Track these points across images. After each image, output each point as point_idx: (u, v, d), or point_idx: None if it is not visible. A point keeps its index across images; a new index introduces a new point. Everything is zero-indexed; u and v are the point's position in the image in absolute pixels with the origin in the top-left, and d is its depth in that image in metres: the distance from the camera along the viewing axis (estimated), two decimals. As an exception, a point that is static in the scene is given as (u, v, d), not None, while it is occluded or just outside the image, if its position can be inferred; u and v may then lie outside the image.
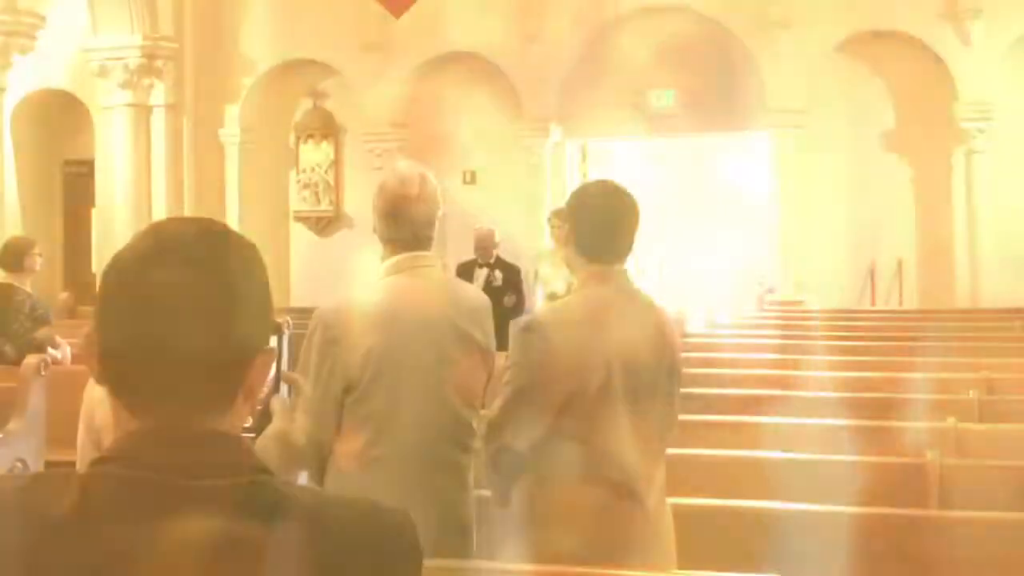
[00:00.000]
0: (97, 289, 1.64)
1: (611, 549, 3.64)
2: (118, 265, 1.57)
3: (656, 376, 3.71)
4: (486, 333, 3.84)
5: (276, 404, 1.72)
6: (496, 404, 3.67)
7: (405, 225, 3.76)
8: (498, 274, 11.81)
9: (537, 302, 11.20)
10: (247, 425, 1.68)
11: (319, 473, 3.76)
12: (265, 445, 2.69)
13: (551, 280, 10.60)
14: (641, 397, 3.66)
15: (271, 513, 1.51)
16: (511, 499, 3.71)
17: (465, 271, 11.67)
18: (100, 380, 1.58)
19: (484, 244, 11.98)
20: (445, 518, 3.72)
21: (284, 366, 3.20)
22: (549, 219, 11.06)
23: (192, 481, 1.49)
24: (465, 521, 3.79)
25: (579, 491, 3.62)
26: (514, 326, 6.17)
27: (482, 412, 3.82)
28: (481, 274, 11.71)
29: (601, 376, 3.59)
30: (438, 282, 3.84)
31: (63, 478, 1.52)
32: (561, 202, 5.65)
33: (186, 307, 1.52)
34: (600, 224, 3.72)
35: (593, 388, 3.58)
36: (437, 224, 3.85)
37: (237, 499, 1.50)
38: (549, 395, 3.58)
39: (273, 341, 1.64)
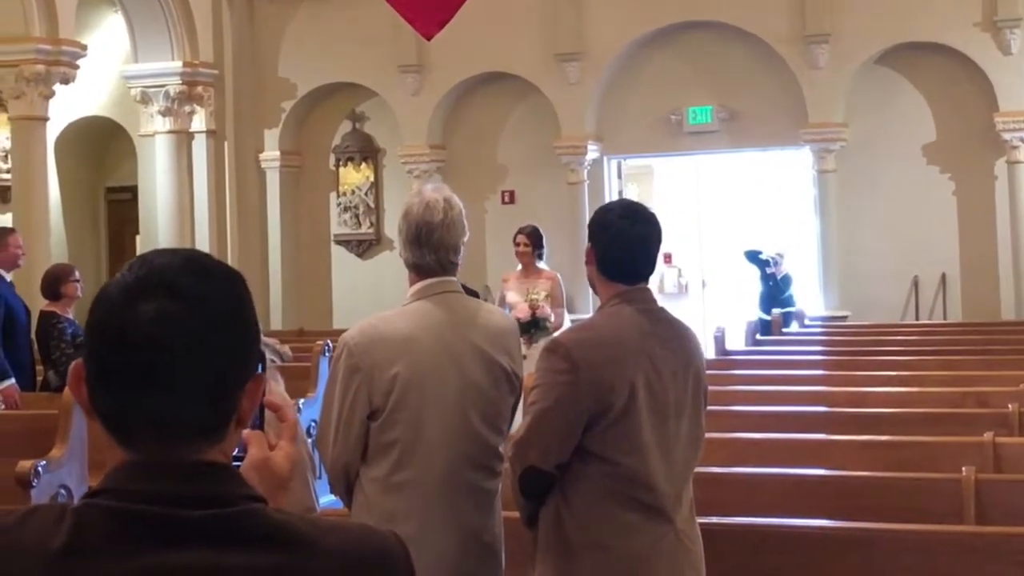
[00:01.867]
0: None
1: (640, 570, 3.63)
2: (104, 297, 1.57)
3: (682, 394, 3.70)
4: (512, 357, 3.84)
5: (248, 434, 1.72)
6: (522, 425, 3.68)
7: (430, 251, 3.77)
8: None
9: None
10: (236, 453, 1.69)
11: (347, 497, 3.78)
12: (247, 476, 2.69)
13: (517, 304, 9.73)
14: (667, 416, 3.65)
15: (264, 541, 1.52)
16: (538, 521, 3.70)
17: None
18: (88, 412, 1.59)
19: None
20: (470, 543, 3.72)
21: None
22: (515, 238, 10.23)
23: (183, 511, 1.49)
24: (492, 545, 3.79)
25: (607, 512, 3.61)
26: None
27: (510, 433, 3.83)
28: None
29: (626, 395, 3.58)
30: (463, 307, 3.84)
31: (57, 511, 1.53)
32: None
33: (172, 338, 1.52)
34: (623, 244, 3.71)
35: (618, 408, 3.58)
36: (463, 249, 3.85)
37: (229, 528, 1.51)
38: (574, 416, 3.57)
39: (257, 369, 1.64)
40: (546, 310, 9.77)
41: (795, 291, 14.94)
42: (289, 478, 1.85)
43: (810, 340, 12.28)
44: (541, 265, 10.17)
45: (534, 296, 9.61)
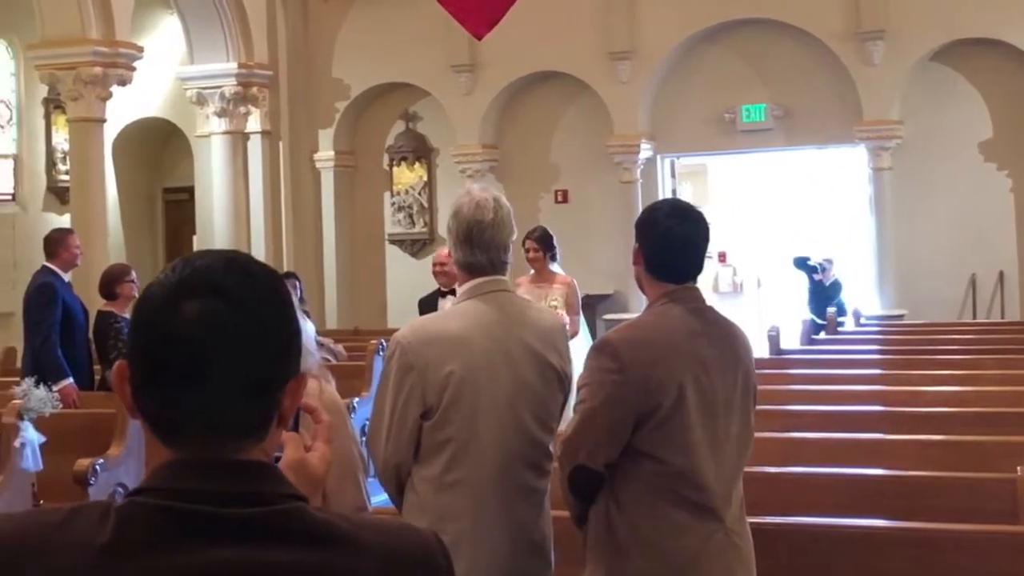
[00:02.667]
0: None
1: (690, 568, 3.62)
2: (148, 298, 1.59)
3: (731, 393, 3.69)
4: (561, 356, 3.85)
5: (284, 435, 1.73)
6: (571, 424, 3.68)
7: (481, 250, 3.78)
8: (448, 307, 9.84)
9: None
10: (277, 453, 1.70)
11: (398, 497, 3.80)
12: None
13: None
14: (716, 415, 3.64)
15: (305, 539, 1.53)
16: (588, 520, 3.71)
17: (427, 305, 9.37)
18: (132, 412, 1.61)
19: (442, 269, 9.44)
20: (522, 541, 3.73)
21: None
22: (523, 242, 9.46)
23: (226, 510, 1.51)
24: (542, 544, 3.80)
25: (657, 510, 3.61)
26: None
27: (559, 432, 3.83)
28: (446, 306, 8.97)
29: (675, 395, 3.58)
30: (514, 306, 3.85)
31: (101, 508, 1.55)
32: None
33: (216, 337, 1.54)
34: (670, 243, 3.70)
35: (667, 407, 3.57)
36: (512, 248, 3.86)
37: (271, 526, 1.52)
38: (623, 415, 3.57)
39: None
40: (563, 318, 9.51)
41: (844, 297, 14.85)
42: (324, 479, 1.86)
43: (866, 339, 12.19)
44: (555, 268, 9.73)
45: (552, 303, 9.24)
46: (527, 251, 9.59)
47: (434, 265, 9.51)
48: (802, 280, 15.24)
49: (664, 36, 15.96)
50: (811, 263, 15.07)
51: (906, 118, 15.30)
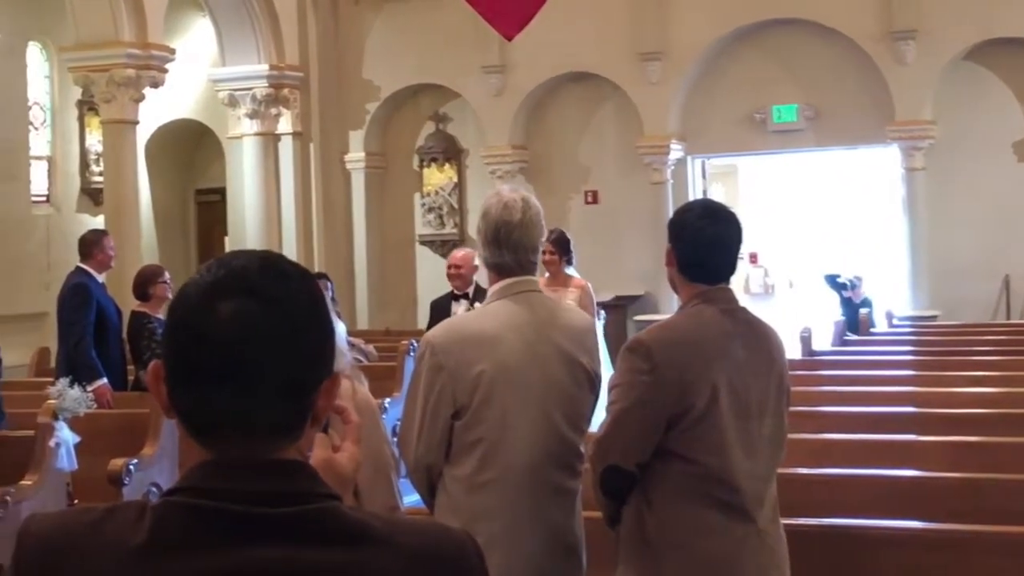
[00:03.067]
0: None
1: (722, 570, 3.61)
2: (184, 298, 1.60)
3: (764, 394, 3.68)
4: (592, 356, 3.85)
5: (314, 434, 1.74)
6: (603, 425, 3.68)
7: (509, 251, 3.79)
8: (478, 307, 9.12)
9: None
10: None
11: (430, 497, 3.80)
12: None
13: None
14: (749, 416, 3.63)
15: (339, 539, 1.54)
16: (620, 520, 3.70)
17: (440, 308, 9.07)
18: (167, 412, 1.62)
19: (458, 272, 9.15)
20: (554, 542, 3.73)
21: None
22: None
23: (261, 509, 1.52)
24: (574, 545, 3.80)
25: (689, 511, 3.60)
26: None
27: (590, 433, 3.83)
28: (459, 309, 8.91)
29: (708, 396, 3.57)
30: (543, 307, 3.85)
31: (137, 508, 1.56)
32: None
33: (251, 338, 1.55)
34: (702, 244, 3.70)
35: (700, 408, 3.56)
36: (541, 248, 3.86)
37: (306, 526, 1.53)
38: (655, 415, 3.57)
39: None
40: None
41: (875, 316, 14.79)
42: (352, 479, 1.87)
43: (898, 340, 12.13)
44: (571, 272, 9.51)
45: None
46: (543, 253, 9.28)
47: (448, 267, 9.30)
48: (833, 297, 15.18)
49: (695, 36, 15.92)
50: (841, 280, 15.01)
51: (939, 118, 15.22)
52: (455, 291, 9.17)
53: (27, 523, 1.62)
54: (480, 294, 8.49)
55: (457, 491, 3.70)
